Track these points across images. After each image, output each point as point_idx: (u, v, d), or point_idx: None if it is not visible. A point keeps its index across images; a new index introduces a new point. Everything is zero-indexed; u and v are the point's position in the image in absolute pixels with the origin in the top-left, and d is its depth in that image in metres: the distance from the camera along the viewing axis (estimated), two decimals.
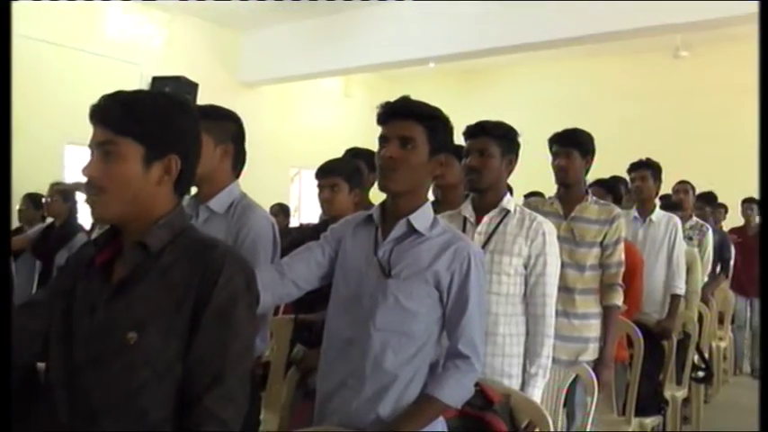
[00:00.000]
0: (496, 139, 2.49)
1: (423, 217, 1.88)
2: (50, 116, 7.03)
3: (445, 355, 1.89)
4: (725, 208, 7.26)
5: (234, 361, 1.31)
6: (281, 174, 10.00)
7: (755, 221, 6.87)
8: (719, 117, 8.60)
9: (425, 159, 1.86)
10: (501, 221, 2.47)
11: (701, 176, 7.05)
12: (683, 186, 5.60)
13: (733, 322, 6.54)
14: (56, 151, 7.27)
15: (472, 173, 2.49)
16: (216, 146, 2.23)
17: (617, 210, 3.18)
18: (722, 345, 5.88)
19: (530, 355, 2.43)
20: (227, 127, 2.29)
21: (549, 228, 2.47)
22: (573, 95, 9.45)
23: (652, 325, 4.03)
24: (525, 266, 2.43)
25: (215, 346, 1.29)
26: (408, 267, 1.84)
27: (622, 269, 3.11)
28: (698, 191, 6.00)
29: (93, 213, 1.36)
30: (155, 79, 8.00)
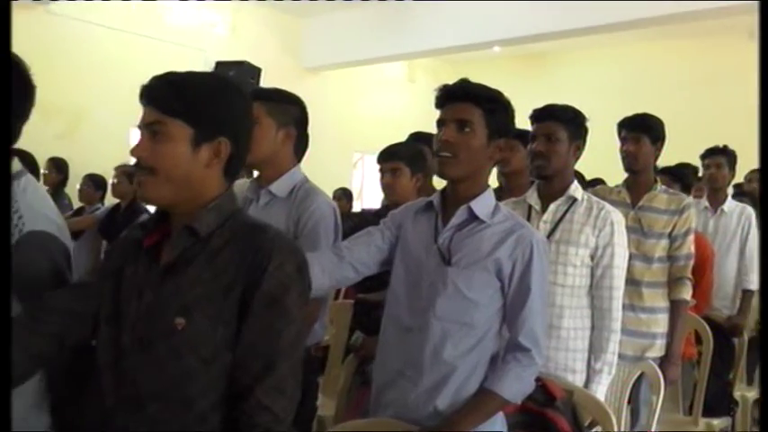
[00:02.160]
0: (564, 123, 2.40)
1: (484, 203, 1.83)
2: (115, 101, 7.07)
3: (505, 348, 1.82)
4: None
5: (286, 349, 1.27)
6: (344, 159, 10.01)
7: None
8: None
9: (484, 143, 1.80)
10: (567, 210, 2.38)
11: None
12: (757, 175, 5.36)
13: None
14: (120, 135, 7.33)
15: (538, 158, 2.40)
16: (278, 129, 2.21)
17: (688, 199, 3.05)
18: None
19: (595, 350, 2.34)
20: (290, 110, 2.27)
21: (617, 217, 2.37)
22: (640, 79, 9.14)
23: (722, 321, 3.87)
24: (592, 257, 2.34)
25: (266, 333, 1.26)
26: (469, 255, 1.79)
27: (692, 262, 2.98)
28: None
29: (142, 194, 1.34)
30: (218, 64, 8.04)
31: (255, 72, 8.02)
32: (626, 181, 3.10)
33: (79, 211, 5.39)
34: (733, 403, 3.78)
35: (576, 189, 2.41)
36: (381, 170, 2.97)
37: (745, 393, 3.98)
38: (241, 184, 3.44)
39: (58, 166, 5.81)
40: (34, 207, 1.56)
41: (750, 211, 4.17)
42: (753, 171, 5.23)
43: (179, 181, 1.31)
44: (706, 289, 3.53)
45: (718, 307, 3.96)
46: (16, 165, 1.61)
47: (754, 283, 4.05)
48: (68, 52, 6.87)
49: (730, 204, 4.21)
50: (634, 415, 2.93)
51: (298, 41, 9.17)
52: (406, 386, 1.80)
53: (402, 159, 2.92)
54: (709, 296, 3.67)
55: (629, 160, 3.01)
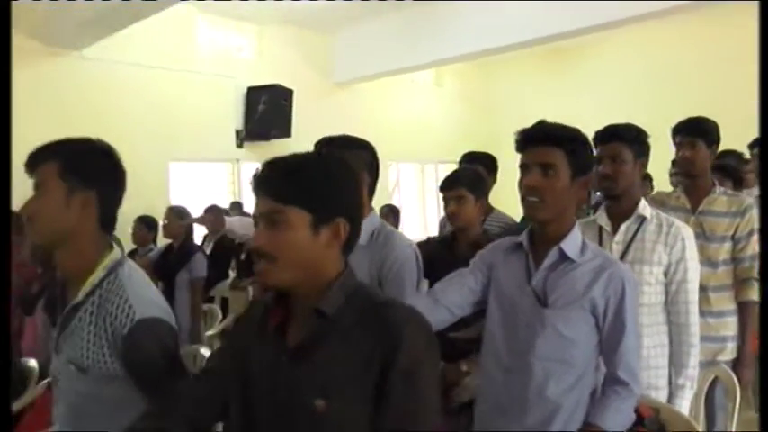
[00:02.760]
0: (628, 143, 2.43)
1: (573, 242, 1.88)
2: (153, 136, 7.34)
3: (604, 382, 1.88)
4: None
5: (422, 425, 1.29)
6: (382, 169, 10.03)
7: None
8: None
9: (568, 184, 1.85)
10: (638, 229, 2.42)
11: None
12: None
13: None
14: (160, 169, 7.55)
15: (606, 180, 2.44)
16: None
17: (749, 200, 3.04)
18: None
19: (676, 365, 2.37)
20: (363, 156, 2.30)
21: (687, 233, 2.40)
22: (661, 66, 9.16)
23: None
24: (665, 274, 2.37)
25: (403, 411, 1.27)
26: (564, 296, 1.84)
27: (757, 262, 2.98)
28: None
29: (266, 281, 1.36)
30: (250, 90, 8.18)
31: (287, 94, 8.15)
32: (684, 186, 3.11)
33: (132, 253, 5.50)
34: None
35: (644, 207, 2.45)
36: (445, 198, 2.99)
37: None
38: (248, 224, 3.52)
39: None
40: (141, 293, 1.63)
41: None
42: None
43: (301, 265, 1.34)
44: None
45: None
46: (117, 253, 1.69)
47: None
48: (104, 94, 7.05)
49: None
50: (709, 420, 2.94)
51: (325, 57, 9.26)
52: (511, 425, 1.85)
53: (465, 186, 2.94)
54: None
55: (687, 165, 3.03)
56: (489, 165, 3.97)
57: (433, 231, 10.12)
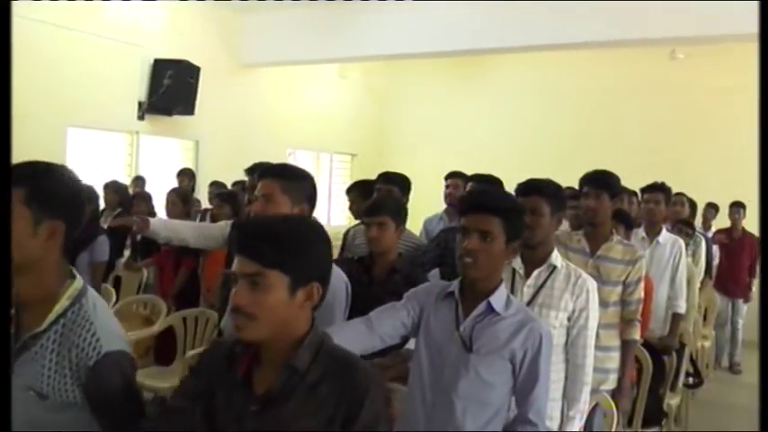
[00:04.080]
0: (547, 197, 2.69)
1: (500, 298, 2.12)
2: (52, 98, 7.01)
3: (514, 420, 2.13)
4: (716, 208, 7.59)
5: None
6: (278, 154, 10.00)
7: (741, 225, 7.20)
8: (712, 118, 8.87)
9: (502, 248, 2.10)
10: (548, 276, 2.68)
11: (695, 177, 7.36)
12: (680, 198, 5.86)
13: None
14: (58, 134, 7.22)
15: (524, 230, 2.68)
16: (292, 206, 2.35)
17: (640, 251, 3.42)
18: (706, 344, 6.21)
19: (569, 400, 2.67)
20: (304, 188, 2.41)
21: (592, 285, 2.68)
22: (568, 83, 9.61)
23: (655, 342, 4.30)
24: (569, 319, 2.65)
25: None
26: (488, 344, 2.08)
27: (641, 306, 3.36)
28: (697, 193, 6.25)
29: (244, 337, 1.47)
30: (156, 62, 7.95)
31: (194, 71, 8.00)
32: (586, 231, 3.43)
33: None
34: (663, 414, 4.24)
35: (556, 257, 2.71)
36: (366, 223, 3.16)
37: (670, 402, 4.46)
38: (222, 227, 3.57)
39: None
40: (106, 326, 1.65)
41: (681, 243, 4.63)
42: (677, 194, 5.71)
43: (277, 323, 1.46)
44: (646, 316, 3.92)
45: (651, 328, 4.38)
46: (79, 282, 1.69)
47: (682, 307, 4.51)
48: None
49: (665, 236, 4.64)
50: None
51: (235, 38, 9.12)
52: None
53: (388, 214, 3.12)
54: (648, 322, 4.08)
55: (590, 214, 3.35)
56: (404, 186, 4.18)
57: (324, 218, 10.26)
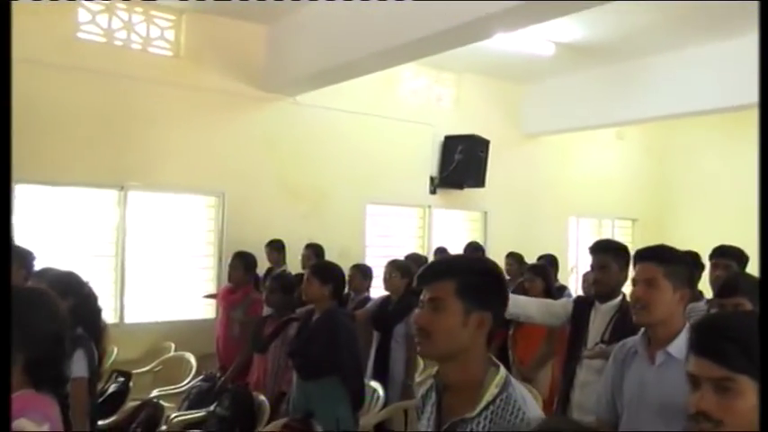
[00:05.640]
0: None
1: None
2: (353, 179, 7.72)
3: None
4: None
5: None
6: (560, 222, 9.87)
7: None
8: None
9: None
10: None
11: None
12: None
13: None
14: (359, 209, 7.88)
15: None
16: (674, 291, 2.31)
17: None
18: None
19: None
20: (685, 272, 2.37)
21: None
22: None
23: None
24: None
25: None
26: None
27: None
28: None
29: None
30: (447, 138, 8.35)
31: (484, 144, 8.25)
32: None
33: (346, 299, 5.66)
34: None
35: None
36: (721, 305, 2.90)
37: None
38: (564, 304, 3.54)
39: (317, 253, 6.26)
40: (536, 413, 1.71)
41: None
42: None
43: None
44: None
45: None
46: (503, 371, 1.76)
47: None
48: (313, 138, 7.50)
49: None
50: None
51: (518, 109, 9.31)
52: None
53: (746, 295, 2.84)
54: None
55: None
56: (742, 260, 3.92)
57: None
